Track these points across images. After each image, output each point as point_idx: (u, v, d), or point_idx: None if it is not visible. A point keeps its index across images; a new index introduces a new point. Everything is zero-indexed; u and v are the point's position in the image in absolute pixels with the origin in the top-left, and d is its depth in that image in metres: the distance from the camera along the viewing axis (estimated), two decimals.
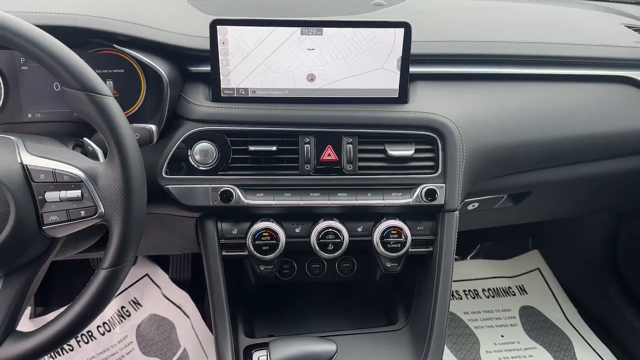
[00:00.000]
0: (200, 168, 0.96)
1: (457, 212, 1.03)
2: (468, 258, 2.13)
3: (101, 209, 0.75)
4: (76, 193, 0.74)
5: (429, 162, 1.01)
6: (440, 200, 1.00)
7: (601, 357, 1.76)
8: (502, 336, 1.82)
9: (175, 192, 0.96)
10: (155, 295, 1.82)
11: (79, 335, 1.73)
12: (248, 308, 1.17)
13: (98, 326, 1.76)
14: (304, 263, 1.19)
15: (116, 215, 0.74)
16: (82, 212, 0.75)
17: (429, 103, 1.02)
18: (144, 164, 0.78)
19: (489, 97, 1.09)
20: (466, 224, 1.21)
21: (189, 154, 0.96)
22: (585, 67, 1.15)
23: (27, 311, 1.72)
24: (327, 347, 0.89)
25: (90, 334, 1.74)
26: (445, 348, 1.72)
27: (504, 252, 2.13)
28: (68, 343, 1.70)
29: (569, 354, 1.78)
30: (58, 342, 0.74)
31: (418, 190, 1.00)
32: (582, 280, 1.97)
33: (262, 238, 0.98)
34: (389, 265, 1.05)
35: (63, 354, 1.67)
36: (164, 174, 0.95)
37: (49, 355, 1.66)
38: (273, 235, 0.98)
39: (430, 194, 0.99)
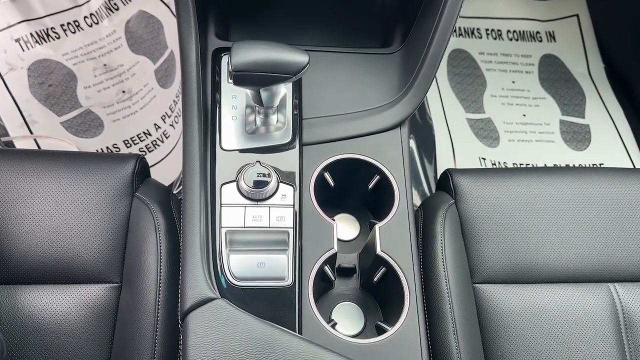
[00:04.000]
0: None
1: None
2: None
3: None
4: None
5: None
6: None
7: (611, 117, 1.67)
8: (513, 82, 1.70)
9: None
10: None
11: (65, 24, 1.63)
12: (225, 8, 1.01)
13: (85, 17, 1.65)
14: None
15: None
16: None
17: None
18: None
19: None
20: None
21: None
22: None
23: None
24: (298, 57, 0.76)
25: (77, 23, 1.64)
26: (447, 84, 1.62)
27: None
28: (54, 31, 1.61)
29: (578, 109, 1.68)
30: None
31: None
32: (622, 40, 1.73)
33: None
34: None
35: (49, 41, 1.59)
36: None
37: (34, 40, 1.60)
38: None
39: None
